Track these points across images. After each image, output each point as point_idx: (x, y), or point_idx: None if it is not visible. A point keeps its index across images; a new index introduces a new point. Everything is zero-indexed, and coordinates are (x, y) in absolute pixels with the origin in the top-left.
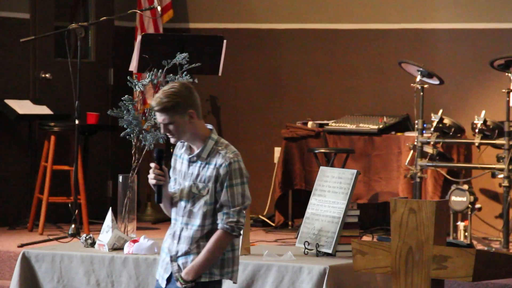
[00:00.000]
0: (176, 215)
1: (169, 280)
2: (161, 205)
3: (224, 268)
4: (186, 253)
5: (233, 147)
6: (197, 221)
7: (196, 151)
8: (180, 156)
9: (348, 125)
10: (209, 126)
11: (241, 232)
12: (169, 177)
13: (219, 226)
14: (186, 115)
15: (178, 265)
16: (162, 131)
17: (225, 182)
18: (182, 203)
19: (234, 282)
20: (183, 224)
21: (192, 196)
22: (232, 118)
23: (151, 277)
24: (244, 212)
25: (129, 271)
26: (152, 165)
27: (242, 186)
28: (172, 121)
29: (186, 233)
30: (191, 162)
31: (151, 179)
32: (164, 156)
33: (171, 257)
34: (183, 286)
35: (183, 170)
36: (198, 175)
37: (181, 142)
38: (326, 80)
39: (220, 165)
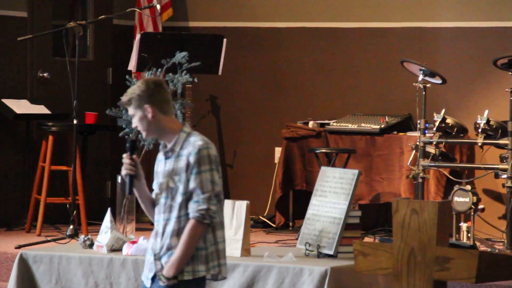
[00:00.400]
0: (158, 214)
1: (154, 279)
2: (144, 209)
3: (209, 262)
4: (168, 249)
5: (205, 138)
6: (175, 213)
7: (169, 145)
8: (159, 159)
9: (349, 125)
10: (181, 122)
11: (214, 220)
12: (141, 169)
13: (190, 215)
14: (143, 109)
15: (162, 264)
16: (133, 124)
17: (194, 169)
18: (162, 200)
19: (224, 277)
20: (164, 220)
21: (171, 190)
22: (232, 118)
23: None
24: (215, 199)
25: (127, 273)
26: (124, 155)
27: (211, 172)
28: (133, 114)
29: (168, 228)
30: (166, 158)
31: (123, 169)
32: (136, 147)
33: (154, 255)
34: (165, 284)
35: (161, 169)
36: (173, 168)
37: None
38: (327, 79)
39: (190, 153)
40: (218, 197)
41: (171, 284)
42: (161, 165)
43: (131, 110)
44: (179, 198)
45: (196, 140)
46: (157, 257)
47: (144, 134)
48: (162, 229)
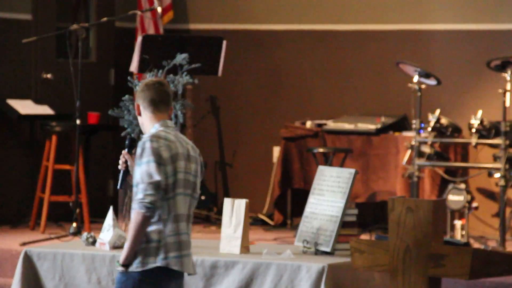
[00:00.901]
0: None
1: None
2: None
3: (161, 254)
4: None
5: (162, 135)
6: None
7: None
8: None
9: (346, 125)
10: (164, 123)
11: (152, 209)
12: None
13: (134, 208)
14: (136, 106)
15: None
16: None
17: (137, 163)
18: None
19: (188, 272)
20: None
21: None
22: (231, 118)
23: None
24: (152, 190)
25: None
26: (123, 152)
27: (148, 164)
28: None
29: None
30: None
31: (120, 164)
32: (134, 144)
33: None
34: (117, 268)
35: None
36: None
37: None
38: (325, 80)
39: (137, 147)
40: (156, 188)
41: (120, 270)
42: None
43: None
44: (134, 190)
45: (145, 136)
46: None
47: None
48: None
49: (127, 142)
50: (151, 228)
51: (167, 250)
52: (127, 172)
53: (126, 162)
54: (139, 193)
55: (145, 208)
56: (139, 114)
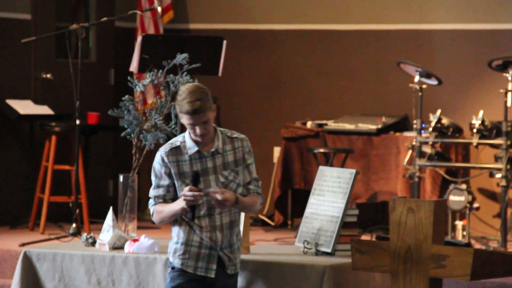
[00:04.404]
0: (206, 211)
1: (217, 270)
2: (163, 221)
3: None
4: (229, 241)
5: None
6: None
7: (215, 144)
8: (182, 160)
9: (347, 125)
10: None
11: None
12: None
13: (253, 191)
14: (213, 110)
15: (227, 255)
16: (199, 131)
17: (249, 160)
18: (205, 197)
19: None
20: (219, 214)
21: (222, 185)
22: (231, 118)
23: (151, 276)
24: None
25: (129, 270)
26: (188, 188)
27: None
28: (209, 118)
29: (226, 219)
30: (206, 157)
31: (189, 199)
32: (199, 178)
33: (217, 247)
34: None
35: (198, 168)
36: (222, 164)
37: (168, 150)
38: (325, 80)
39: (242, 146)
40: None
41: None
42: (196, 165)
43: (206, 114)
44: (238, 190)
45: (239, 134)
46: (220, 249)
47: (205, 137)
48: (219, 222)
49: (192, 178)
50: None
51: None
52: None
53: (199, 196)
54: (259, 186)
55: (262, 199)
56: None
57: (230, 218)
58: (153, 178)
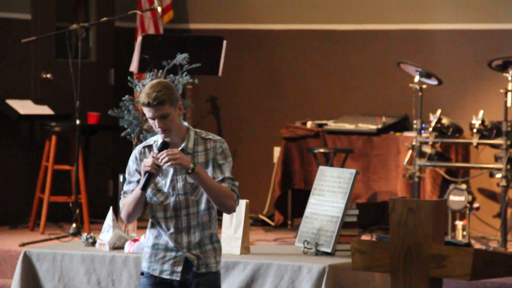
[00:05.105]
0: (170, 211)
1: (182, 272)
2: (131, 210)
3: (220, 255)
4: (200, 241)
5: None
6: (202, 206)
7: (182, 144)
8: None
9: (347, 125)
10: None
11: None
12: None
13: (227, 187)
14: (177, 107)
15: (195, 255)
16: (157, 125)
17: (220, 160)
18: (181, 197)
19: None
20: (185, 215)
21: (190, 186)
22: (232, 118)
23: None
24: (237, 189)
25: (129, 270)
26: (153, 153)
27: (231, 164)
28: (169, 113)
29: (194, 222)
30: None
31: (147, 165)
32: (168, 147)
33: (182, 249)
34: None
35: (167, 169)
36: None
37: (142, 148)
38: (325, 80)
39: (214, 147)
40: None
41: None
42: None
43: (165, 108)
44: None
45: (213, 136)
46: (186, 251)
47: (167, 133)
48: (186, 223)
49: (159, 145)
50: (215, 229)
51: (220, 253)
52: (153, 176)
53: (159, 167)
54: (235, 185)
55: (237, 199)
56: (179, 116)
57: (198, 220)
58: (126, 175)
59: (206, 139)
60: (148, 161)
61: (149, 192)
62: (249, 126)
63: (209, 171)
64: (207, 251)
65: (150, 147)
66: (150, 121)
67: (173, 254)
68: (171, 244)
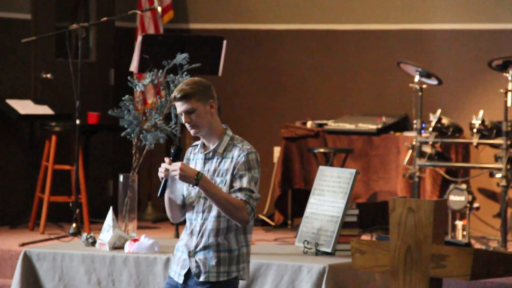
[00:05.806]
0: (195, 213)
1: (186, 276)
2: (168, 208)
3: (239, 263)
4: (205, 248)
5: (248, 143)
6: (213, 212)
7: (212, 146)
8: (193, 159)
9: (347, 125)
10: (223, 125)
11: (251, 216)
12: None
13: (239, 197)
14: (207, 104)
15: (196, 261)
16: (184, 120)
17: (242, 170)
18: (201, 200)
19: (244, 279)
20: (202, 219)
21: None
22: (231, 118)
23: (151, 276)
24: (255, 201)
25: (129, 270)
26: (167, 159)
27: (256, 176)
28: (195, 108)
29: (205, 226)
30: (206, 159)
31: (160, 171)
32: (180, 154)
33: (189, 252)
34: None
35: (199, 170)
36: (215, 170)
37: (191, 146)
38: (325, 80)
39: (239, 156)
40: (257, 200)
41: (193, 183)
42: (198, 166)
43: (191, 102)
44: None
45: (243, 145)
46: (192, 255)
47: (195, 130)
48: (199, 228)
49: (173, 151)
50: (235, 237)
51: (243, 260)
52: (168, 181)
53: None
54: (252, 197)
55: (252, 212)
56: (214, 114)
57: (212, 225)
58: None
59: (237, 147)
60: (162, 167)
61: (184, 192)
62: (249, 126)
63: (228, 178)
64: (210, 259)
65: (196, 146)
66: (180, 117)
67: (184, 256)
68: (183, 246)
